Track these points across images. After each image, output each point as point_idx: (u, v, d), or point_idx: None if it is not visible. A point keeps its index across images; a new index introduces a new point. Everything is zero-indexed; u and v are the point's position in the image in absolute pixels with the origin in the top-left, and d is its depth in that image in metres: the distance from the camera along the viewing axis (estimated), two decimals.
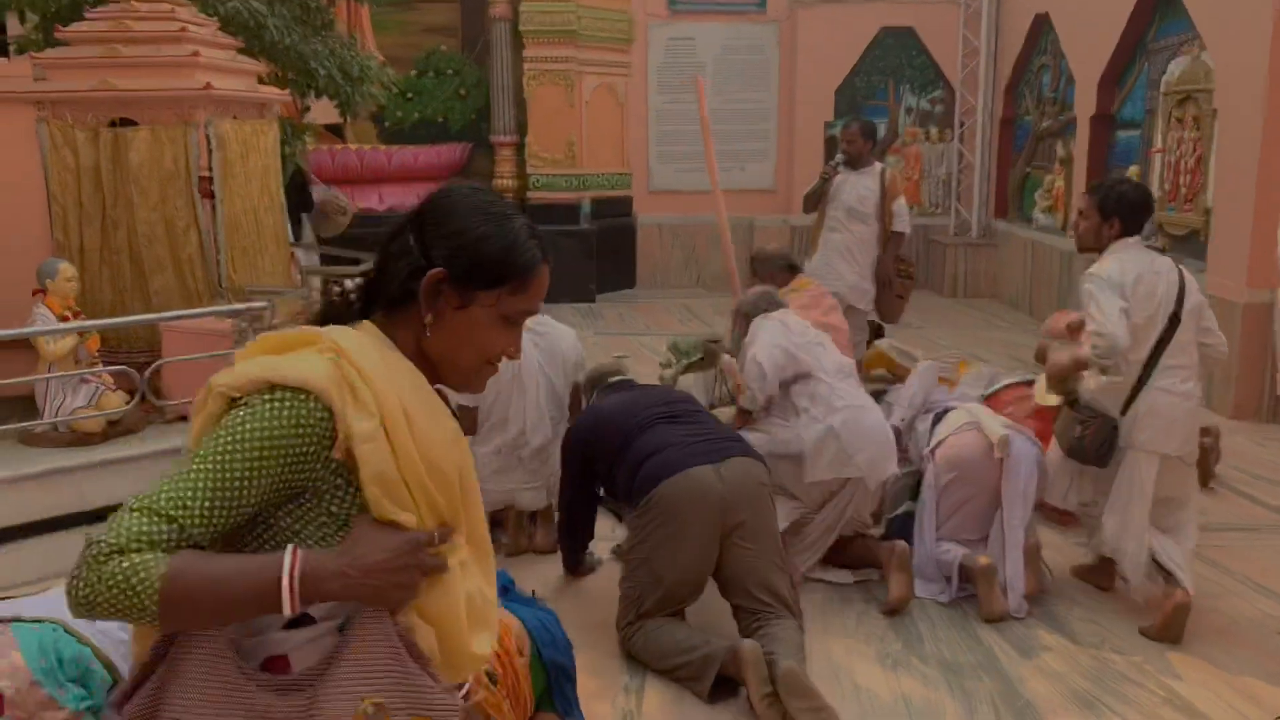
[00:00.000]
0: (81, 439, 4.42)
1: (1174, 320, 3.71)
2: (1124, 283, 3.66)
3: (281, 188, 5.97)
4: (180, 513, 1.39)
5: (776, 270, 5.55)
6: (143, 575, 1.34)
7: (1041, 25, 9.83)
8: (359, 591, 1.46)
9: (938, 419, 4.30)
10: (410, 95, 10.68)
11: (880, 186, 6.28)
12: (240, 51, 5.63)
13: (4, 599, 2.82)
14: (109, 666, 2.65)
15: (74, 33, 5.13)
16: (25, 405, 4.69)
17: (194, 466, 1.42)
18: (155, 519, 1.38)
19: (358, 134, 10.40)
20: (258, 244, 5.58)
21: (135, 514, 1.39)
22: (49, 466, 4.21)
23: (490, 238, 1.57)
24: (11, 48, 6.29)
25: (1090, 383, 3.79)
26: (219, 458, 1.41)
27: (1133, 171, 7.89)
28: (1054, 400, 4.01)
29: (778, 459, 3.92)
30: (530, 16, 9.93)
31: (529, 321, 4.20)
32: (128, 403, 4.48)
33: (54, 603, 2.80)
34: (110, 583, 1.34)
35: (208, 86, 4.97)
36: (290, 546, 1.43)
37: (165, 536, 1.38)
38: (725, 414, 4.86)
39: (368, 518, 1.50)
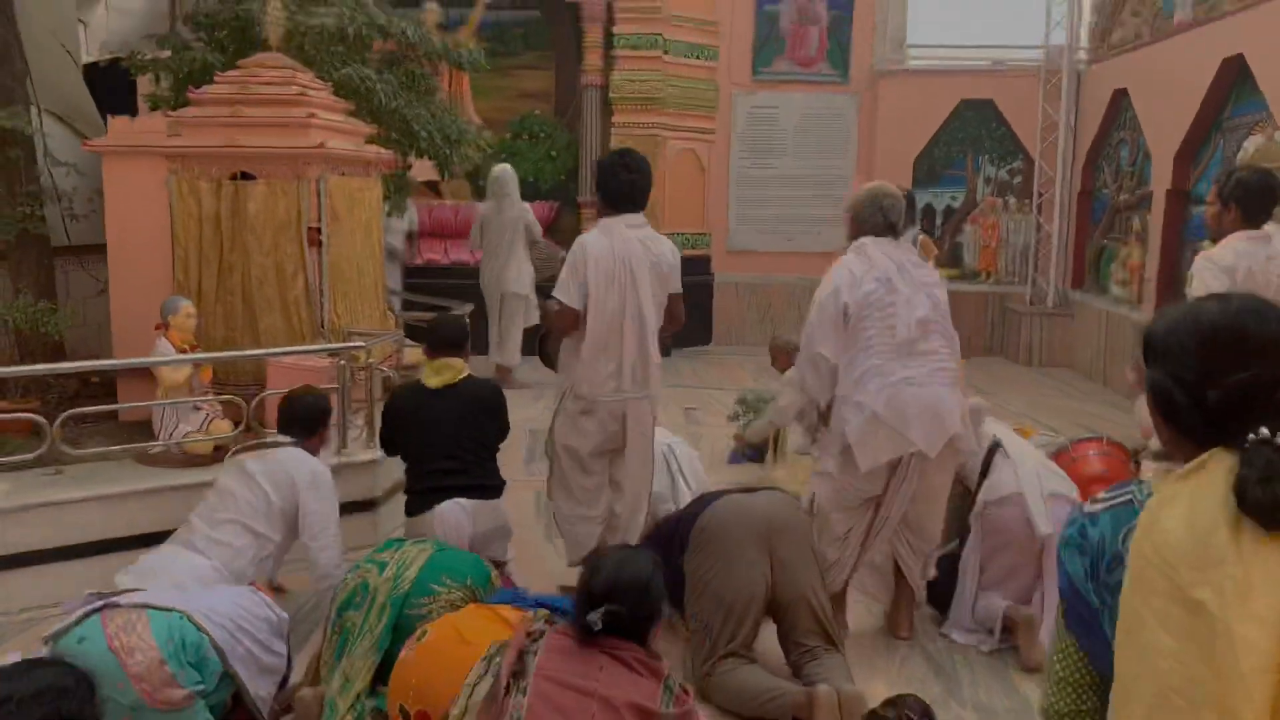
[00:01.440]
0: (192, 461, 4.84)
1: None
2: (1235, 267, 3.64)
3: (381, 239, 6.43)
4: None
5: None
6: None
7: (1120, 100, 9.98)
8: None
9: (990, 456, 4.31)
10: (504, 156, 11.20)
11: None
12: (350, 114, 6.13)
13: (134, 591, 3.21)
14: (222, 656, 3.00)
15: (205, 94, 5.66)
16: (143, 429, 5.17)
17: None
18: None
19: (454, 191, 10.95)
20: (358, 289, 6.03)
21: None
22: (163, 484, 4.63)
23: None
24: (145, 104, 6.90)
25: None
26: None
27: (1206, 245, 7.96)
28: None
29: (833, 458, 3.98)
30: (619, 85, 10.43)
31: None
32: (235, 429, 4.90)
33: (179, 595, 3.18)
34: None
35: (320, 145, 5.44)
36: None
37: None
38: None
39: None
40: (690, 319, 10.84)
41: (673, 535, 3.83)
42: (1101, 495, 1.62)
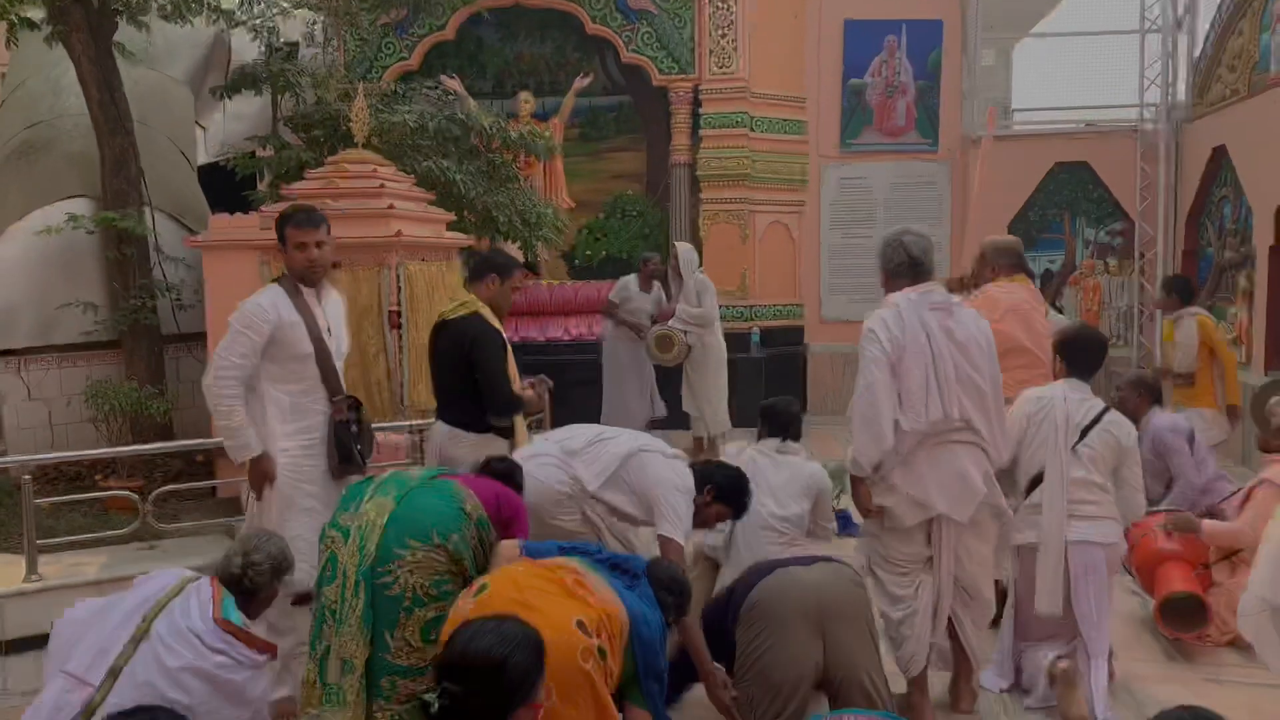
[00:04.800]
0: None
1: None
2: None
3: None
4: None
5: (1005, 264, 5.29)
6: None
7: (1220, 157, 9.72)
8: None
9: (1031, 487, 4.18)
10: (599, 235, 11.55)
11: None
12: (431, 203, 6.48)
13: None
14: None
15: (295, 190, 6.09)
16: (233, 504, 5.49)
17: None
18: None
19: (551, 271, 11.31)
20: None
21: None
22: None
23: None
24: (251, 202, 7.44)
25: None
26: None
27: None
28: None
29: (873, 520, 3.96)
30: (706, 162, 10.67)
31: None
32: None
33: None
34: None
35: (398, 234, 5.77)
36: None
37: None
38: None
39: None
40: (784, 389, 10.92)
41: (726, 604, 3.82)
42: None
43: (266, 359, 3.94)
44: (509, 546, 3.32)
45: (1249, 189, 9.02)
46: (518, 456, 4.15)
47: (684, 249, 8.63)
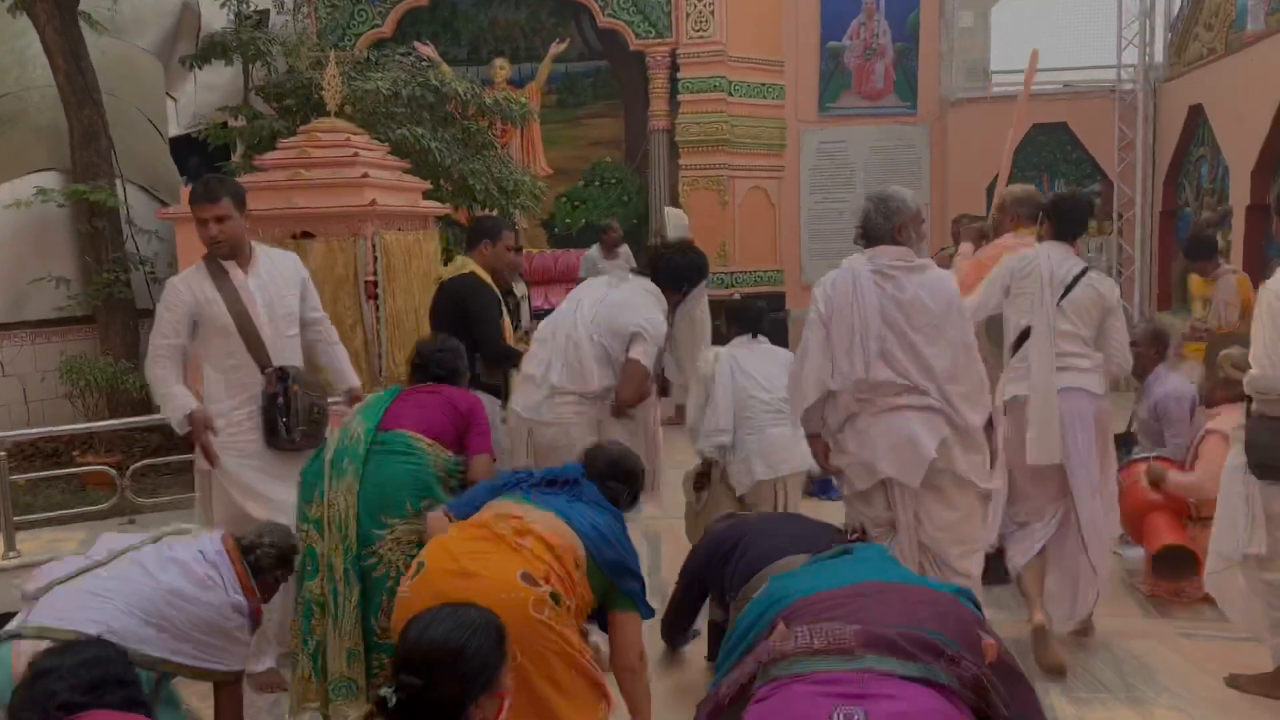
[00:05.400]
0: None
1: None
2: None
3: None
4: None
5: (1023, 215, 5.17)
6: None
7: (1197, 116, 9.74)
8: None
9: (1019, 342, 4.27)
10: (578, 203, 11.49)
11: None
12: (408, 172, 6.41)
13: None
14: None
15: (268, 160, 6.01)
16: None
17: None
18: None
19: (530, 238, 11.25)
20: (417, 338, 6.26)
21: None
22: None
23: None
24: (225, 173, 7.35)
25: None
26: None
27: None
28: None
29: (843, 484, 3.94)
30: (685, 128, 10.60)
31: None
32: None
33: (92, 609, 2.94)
34: None
35: (373, 203, 5.71)
36: None
37: None
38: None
39: None
40: None
41: (724, 566, 3.66)
42: None
43: (199, 339, 3.91)
44: (435, 520, 3.17)
45: (1226, 148, 9.04)
46: (514, 408, 4.20)
47: (672, 214, 8.56)
